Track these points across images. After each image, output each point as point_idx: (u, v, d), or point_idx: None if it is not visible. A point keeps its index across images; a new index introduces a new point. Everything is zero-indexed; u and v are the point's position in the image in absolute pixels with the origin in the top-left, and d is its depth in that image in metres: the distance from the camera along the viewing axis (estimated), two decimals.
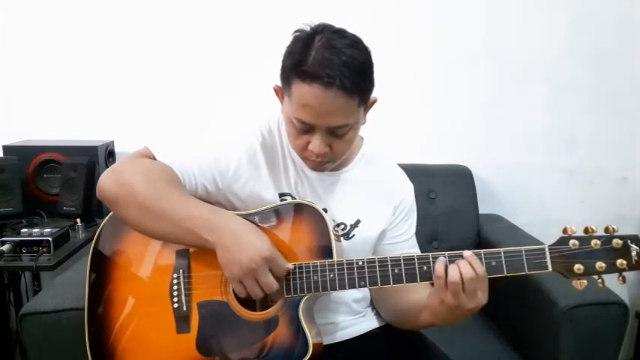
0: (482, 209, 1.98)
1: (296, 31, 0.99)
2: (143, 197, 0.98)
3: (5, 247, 1.53)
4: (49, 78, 2.01)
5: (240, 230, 0.97)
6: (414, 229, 1.20)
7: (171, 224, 0.97)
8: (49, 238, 1.57)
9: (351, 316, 1.17)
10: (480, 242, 1.90)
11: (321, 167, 1.06)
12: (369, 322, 1.20)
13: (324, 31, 0.96)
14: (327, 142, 1.00)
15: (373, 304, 1.23)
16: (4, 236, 1.60)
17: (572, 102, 2.09)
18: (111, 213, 1.08)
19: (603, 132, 2.11)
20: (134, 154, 1.06)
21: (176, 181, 1.03)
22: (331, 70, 0.91)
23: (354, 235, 1.11)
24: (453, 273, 0.91)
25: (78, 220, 1.76)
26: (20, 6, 1.97)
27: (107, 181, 1.02)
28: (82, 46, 2.00)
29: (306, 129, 0.99)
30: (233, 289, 1.01)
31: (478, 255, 0.94)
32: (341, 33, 0.97)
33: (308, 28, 0.98)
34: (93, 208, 1.83)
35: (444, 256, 0.94)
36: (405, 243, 1.17)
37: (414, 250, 1.18)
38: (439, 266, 0.93)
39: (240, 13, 1.98)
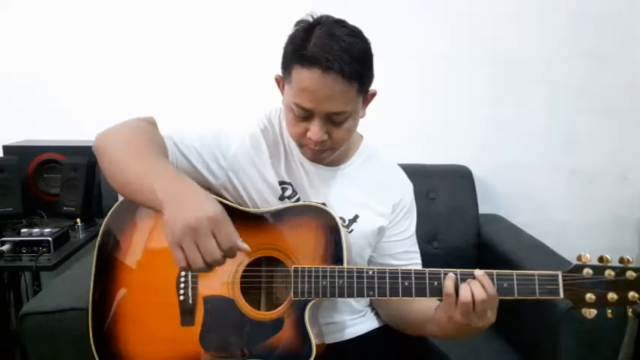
0: (482, 209, 1.98)
1: (298, 22, 1.00)
2: (118, 147, 0.98)
3: (5, 247, 1.53)
4: (49, 78, 2.01)
5: (194, 193, 0.87)
6: (413, 228, 1.20)
7: (133, 174, 0.92)
8: (49, 238, 1.57)
9: (352, 315, 1.17)
10: (479, 242, 1.90)
11: (319, 157, 1.06)
12: (369, 322, 1.20)
13: (325, 21, 0.98)
14: (326, 130, 0.99)
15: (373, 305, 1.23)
16: (4, 236, 1.60)
17: (572, 102, 2.09)
18: (117, 203, 1.09)
19: (603, 132, 2.11)
20: (138, 117, 1.08)
21: (158, 144, 1.01)
22: (330, 54, 0.92)
23: (352, 230, 1.11)
24: (465, 293, 0.91)
25: (78, 220, 1.76)
26: (20, 6, 1.97)
27: (100, 133, 1.03)
28: (82, 46, 2.00)
29: (304, 115, 0.98)
30: (240, 287, 1.01)
31: (490, 275, 0.93)
32: (342, 23, 0.98)
33: (310, 19, 0.99)
34: (93, 208, 1.83)
35: (455, 273, 0.94)
36: (404, 241, 1.17)
37: (414, 248, 1.19)
38: (449, 283, 0.93)
39: (239, 11, 1.98)
